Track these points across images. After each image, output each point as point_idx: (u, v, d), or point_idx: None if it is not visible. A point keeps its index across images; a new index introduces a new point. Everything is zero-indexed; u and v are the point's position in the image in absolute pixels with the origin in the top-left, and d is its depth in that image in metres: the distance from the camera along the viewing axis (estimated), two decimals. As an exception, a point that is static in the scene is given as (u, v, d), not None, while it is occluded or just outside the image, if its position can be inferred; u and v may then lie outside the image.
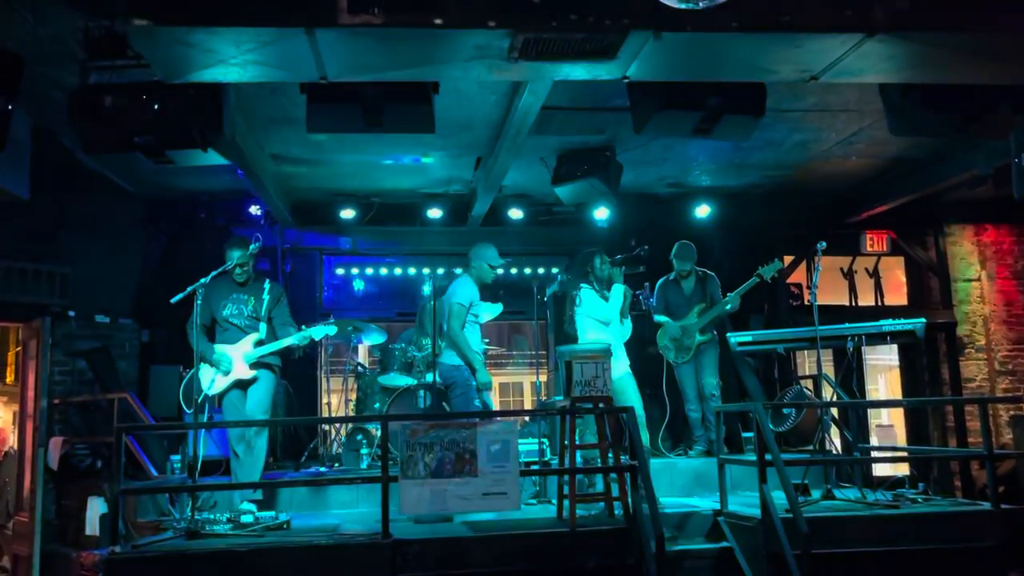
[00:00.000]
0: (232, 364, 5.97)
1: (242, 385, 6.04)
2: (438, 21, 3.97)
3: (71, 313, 7.71)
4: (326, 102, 4.94)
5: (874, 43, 4.32)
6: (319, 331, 6.26)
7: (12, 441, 9.43)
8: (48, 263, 7.61)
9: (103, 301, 8.00)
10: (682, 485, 6.83)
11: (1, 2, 4.58)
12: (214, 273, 5.81)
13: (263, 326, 6.11)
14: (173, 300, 5.62)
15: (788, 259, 9.43)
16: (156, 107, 4.68)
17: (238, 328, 6.07)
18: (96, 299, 7.93)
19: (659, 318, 7.66)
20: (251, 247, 6.04)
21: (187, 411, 6.28)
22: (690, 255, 7.63)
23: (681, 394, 7.61)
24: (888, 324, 6.39)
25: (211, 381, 5.98)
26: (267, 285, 6.22)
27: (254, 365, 6.01)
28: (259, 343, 6.05)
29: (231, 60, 4.27)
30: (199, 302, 5.65)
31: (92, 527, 6.61)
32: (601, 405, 5.49)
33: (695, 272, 7.68)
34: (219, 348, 6.01)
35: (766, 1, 4.21)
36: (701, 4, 3.73)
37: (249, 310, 6.10)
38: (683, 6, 3.73)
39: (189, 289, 5.64)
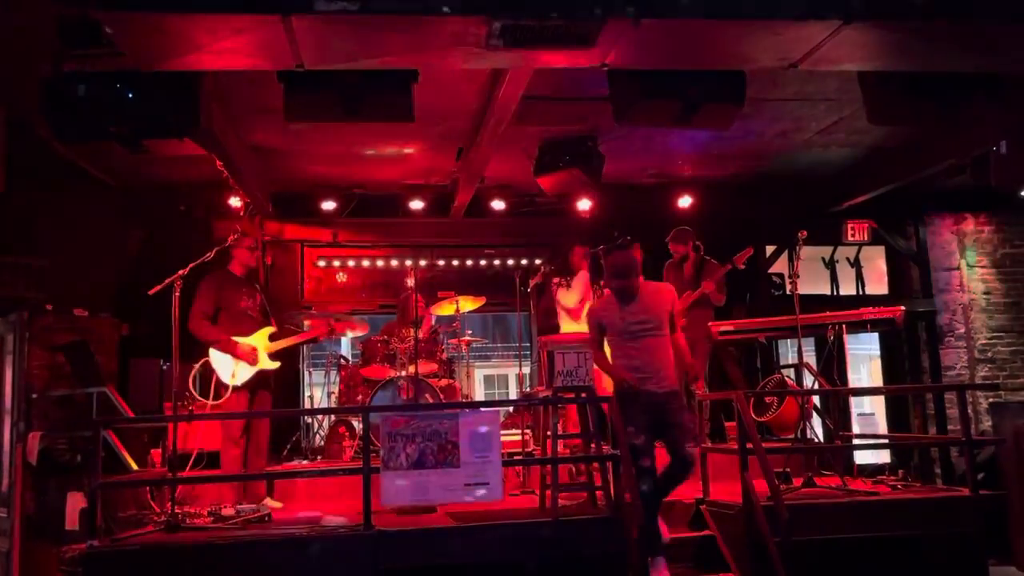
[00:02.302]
0: (257, 355, 6.00)
1: (259, 378, 6.06)
2: (415, 8, 3.94)
3: (49, 307, 7.61)
4: (304, 91, 4.90)
5: (851, 30, 4.33)
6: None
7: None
8: (25, 256, 7.51)
9: (81, 294, 7.88)
10: (665, 474, 6.84)
11: (-29, -10, 4.52)
12: (192, 265, 5.77)
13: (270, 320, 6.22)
14: (151, 292, 5.58)
15: (770, 249, 9.47)
16: (131, 96, 4.63)
17: (254, 320, 6.11)
18: (74, 292, 7.82)
19: None
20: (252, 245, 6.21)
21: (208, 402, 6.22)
22: (680, 239, 7.67)
23: None
24: (868, 312, 6.43)
25: (232, 372, 5.96)
26: (257, 285, 6.35)
27: (274, 357, 6.08)
28: (273, 336, 6.11)
29: (206, 48, 4.23)
30: (177, 295, 5.60)
31: (72, 521, 6.56)
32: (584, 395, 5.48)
33: (695, 258, 7.69)
34: (240, 339, 6.00)
35: (745, -12, 4.21)
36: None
37: (259, 303, 6.14)
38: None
39: (167, 281, 5.59)
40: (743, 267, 7.43)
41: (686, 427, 4.96)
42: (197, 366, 6.38)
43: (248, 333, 6.04)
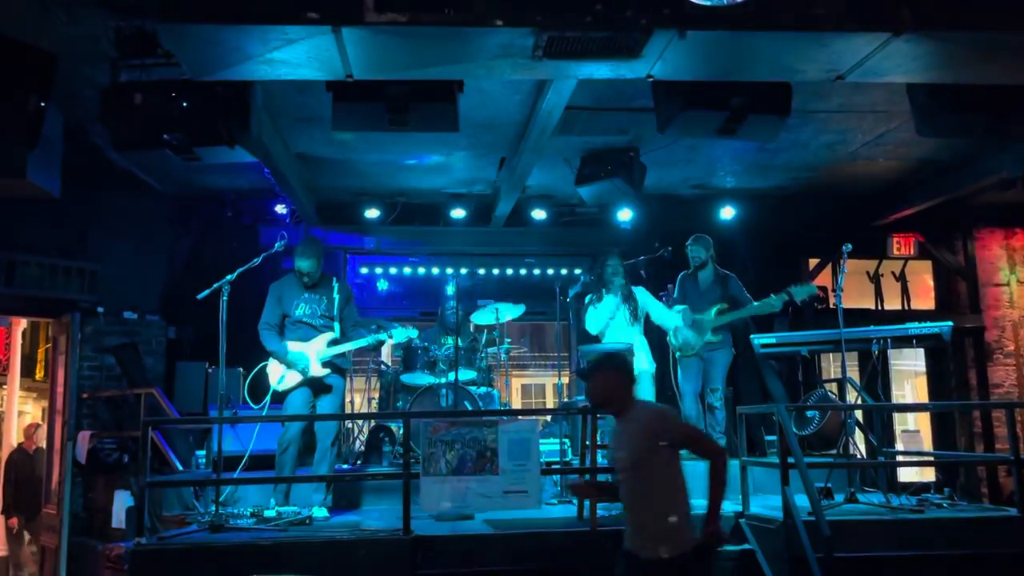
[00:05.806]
0: (308, 362, 5.98)
1: (312, 384, 6.02)
2: (463, 19, 3.99)
3: (100, 309, 7.81)
4: (351, 101, 4.98)
5: (901, 42, 4.29)
6: (401, 333, 6.37)
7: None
8: (78, 260, 7.73)
9: (131, 298, 8.10)
10: (701, 488, 6.75)
11: (36, 2, 4.66)
12: (240, 270, 5.86)
13: (337, 325, 6.12)
14: (199, 296, 5.69)
15: (813, 261, 9.36)
16: (185, 104, 4.75)
17: (311, 327, 6.06)
18: (124, 296, 8.04)
19: (678, 307, 7.23)
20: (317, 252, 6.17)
21: (254, 406, 6.27)
22: (703, 244, 7.23)
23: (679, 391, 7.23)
24: (914, 327, 6.32)
25: (281, 377, 5.99)
26: (335, 284, 6.25)
27: (326, 364, 6.03)
28: (333, 342, 6.05)
29: (258, 58, 4.33)
30: (225, 299, 5.69)
31: (118, 520, 6.71)
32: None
33: (714, 269, 7.25)
34: (293, 347, 6.00)
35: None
36: (726, 1, 3.71)
37: (322, 309, 6.11)
38: (708, 3, 3.72)
39: (215, 286, 5.70)
40: (800, 304, 7.01)
41: None
42: (252, 371, 6.39)
43: (305, 339, 6.05)
